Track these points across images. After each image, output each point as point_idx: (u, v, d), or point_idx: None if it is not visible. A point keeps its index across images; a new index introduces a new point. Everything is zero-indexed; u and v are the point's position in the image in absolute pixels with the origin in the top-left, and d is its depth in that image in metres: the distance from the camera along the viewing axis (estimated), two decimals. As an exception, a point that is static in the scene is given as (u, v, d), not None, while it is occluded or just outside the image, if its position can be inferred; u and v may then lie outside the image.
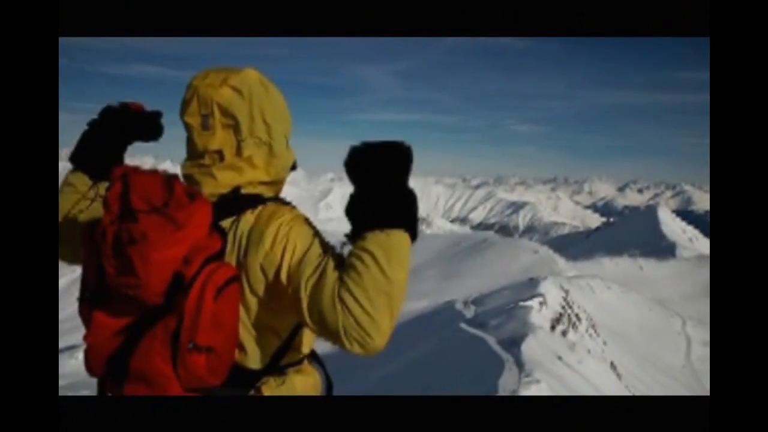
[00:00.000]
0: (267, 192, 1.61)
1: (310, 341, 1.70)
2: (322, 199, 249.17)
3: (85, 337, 1.43)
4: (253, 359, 1.55)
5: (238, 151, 1.57)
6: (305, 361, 1.70)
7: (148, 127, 1.79)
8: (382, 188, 1.43)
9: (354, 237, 1.45)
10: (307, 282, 1.42)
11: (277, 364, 1.59)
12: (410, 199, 1.45)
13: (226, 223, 1.52)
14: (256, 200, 1.56)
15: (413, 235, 1.45)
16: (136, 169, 1.48)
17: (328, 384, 1.77)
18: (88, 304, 1.45)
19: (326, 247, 1.50)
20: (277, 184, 1.66)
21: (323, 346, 1.72)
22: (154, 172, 1.49)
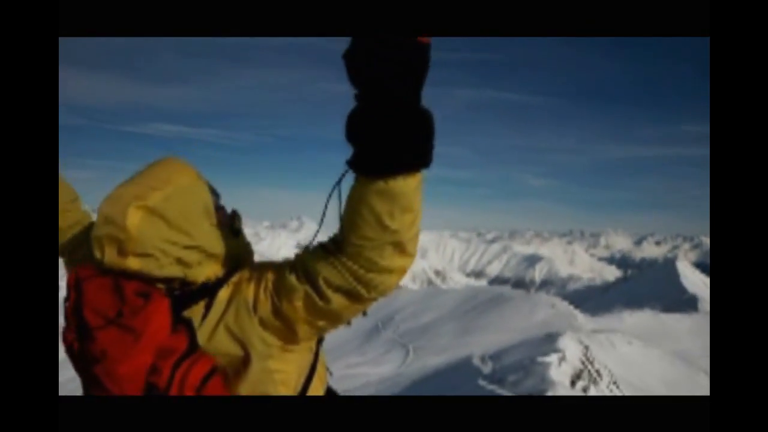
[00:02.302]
0: (227, 269, 1.50)
1: (322, 383, 1.61)
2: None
3: None
4: None
5: (188, 284, 1.44)
6: None
7: None
8: (388, 106, 1.14)
9: (353, 167, 1.24)
10: (292, 272, 1.36)
11: None
12: (420, 122, 1.17)
13: (197, 310, 1.42)
14: (221, 281, 1.46)
15: (425, 164, 1.20)
16: (87, 274, 1.41)
17: None
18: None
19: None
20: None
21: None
22: (102, 275, 1.40)
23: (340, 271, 1.30)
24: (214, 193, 1.54)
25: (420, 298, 65.91)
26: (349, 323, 1.42)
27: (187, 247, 1.40)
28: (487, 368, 26.65)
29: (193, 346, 1.38)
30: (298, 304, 1.35)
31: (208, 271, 1.45)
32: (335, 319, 1.39)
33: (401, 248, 1.27)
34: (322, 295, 1.33)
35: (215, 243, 1.45)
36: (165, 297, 1.38)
